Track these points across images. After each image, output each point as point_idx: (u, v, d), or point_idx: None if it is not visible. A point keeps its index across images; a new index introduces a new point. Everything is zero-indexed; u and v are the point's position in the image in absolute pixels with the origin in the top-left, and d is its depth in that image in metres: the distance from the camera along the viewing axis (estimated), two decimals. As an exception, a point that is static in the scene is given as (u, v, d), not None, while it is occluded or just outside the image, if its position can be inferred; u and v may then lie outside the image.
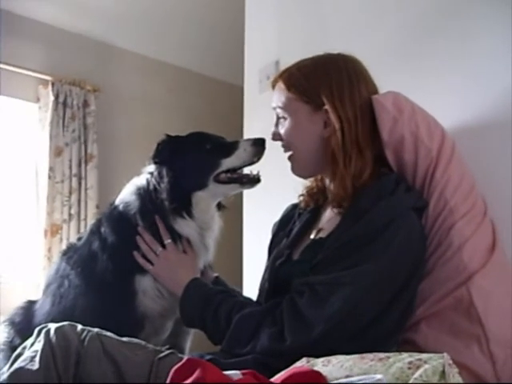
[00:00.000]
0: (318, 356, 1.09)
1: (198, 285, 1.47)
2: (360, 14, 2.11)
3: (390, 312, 1.27)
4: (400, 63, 1.90)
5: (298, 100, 1.45)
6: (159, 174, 1.56)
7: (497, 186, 1.51)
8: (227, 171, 1.57)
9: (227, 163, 1.57)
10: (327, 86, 1.41)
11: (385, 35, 1.98)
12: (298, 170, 1.52)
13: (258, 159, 1.58)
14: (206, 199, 1.58)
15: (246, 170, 1.63)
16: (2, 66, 3.75)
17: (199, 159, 1.58)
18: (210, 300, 1.38)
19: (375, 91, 1.47)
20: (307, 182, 1.61)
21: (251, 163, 1.59)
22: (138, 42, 4.40)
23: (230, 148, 1.58)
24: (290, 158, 1.51)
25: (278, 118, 1.51)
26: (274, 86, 1.53)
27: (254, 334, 1.24)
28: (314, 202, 1.57)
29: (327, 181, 1.50)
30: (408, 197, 1.34)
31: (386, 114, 1.42)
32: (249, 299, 1.47)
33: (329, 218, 1.46)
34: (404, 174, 1.44)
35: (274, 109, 1.51)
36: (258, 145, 1.56)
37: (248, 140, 1.59)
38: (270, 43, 2.61)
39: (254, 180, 1.58)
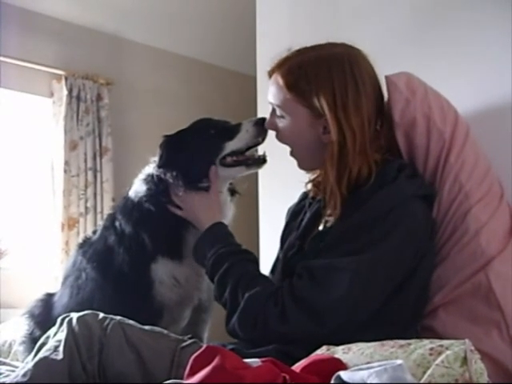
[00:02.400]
0: (328, 343, 1.10)
1: (215, 233, 1.46)
2: (372, 2, 2.09)
3: (402, 300, 1.26)
4: (411, 49, 1.88)
5: (297, 102, 1.37)
6: (164, 176, 1.55)
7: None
8: (233, 154, 1.57)
9: (231, 146, 1.56)
10: (330, 93, 1.32)
11: (397, 21, 1.96)
12: (299, 165, 1.50)
13: (263, 139, 1.57)
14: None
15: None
16: (16, 61, 3.78)
17: (203, 145, 1.58)
18: (222, 260, 1.37)
19: (376, 80, 1.41)
20: (313, 176, 1.57)
21: (256, 144, 1.58)
22: (150, 34, 4.40)
23: (232, 131, 1.57)
24: (290, 153, 1.49)
25: (273, 110, 1.47)
26: (270, 76, 1.47)
27: (260, 316, 1.24)
28: (322, 192, 1.56)
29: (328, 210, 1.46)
30: (410, 184, 1.31)
31: (398, 94, 1.40)
32: (258, 270, 1.42)
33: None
34: (415, 158, 1.42)
35: (269, 102, 1.46)
36: (260, 124, 1.54)
37: (250, 121, 1.57)
38: (282, 30, 2.60)
39: (260, 161, 1.58)
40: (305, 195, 1.66)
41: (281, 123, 1.44)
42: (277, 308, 1.22)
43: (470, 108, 1.59)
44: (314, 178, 1.53)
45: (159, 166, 1.56)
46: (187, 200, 1.54)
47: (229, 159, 1.57)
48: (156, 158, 1.60)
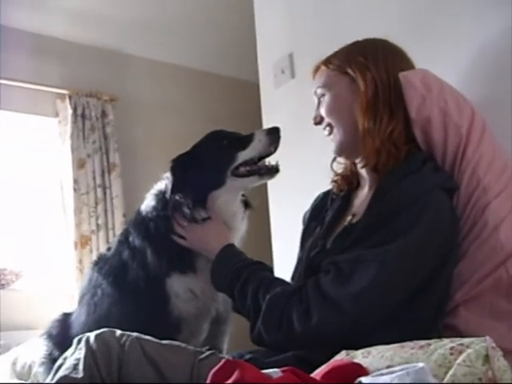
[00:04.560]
0: (352, 340, 1.09)
1: (227, 255, 1.47)
2: (372, 3, 2.09)
3: (427, 295, 1.25)
4: (412, 49, 1.87)
5: (336, 73, 1.47)
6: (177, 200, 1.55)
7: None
8: (245, 164, 1.57)
9: (243, 156, 1.56)
10: (363, 54, 1.44)
11: (397, 22, 1.96)
12: (340, 147, 1.49)
13: (275, 149, 1.57)
14: (224, 196, 1.58)
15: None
16: (20, 83, 3.81)
17: (216, 156, 1.58)
18: (239, 274, 1.37)
19: (413, 67, 1.47)
20: (339, 169, 1.60)
21: (268, 154, 1.58)
22: (151, 47, 4.42)
23: (245, 141, 1.57)
24: (331, 135, 1.50)
25: (319, 100, 1.51)
26: (314, 75, 1.55)
27: (284, 315, 1.22)
28: (348, 185, 1.56)
29: (360, 164, 1.48)
30: (435, 176, 1.32)
31: (413, 91, 1.40)
32: (276, 276, 1.43)
33: (361, 201, 1.46)
34: (433, 153, 1.42)
35: (315, 93, 1.52)
36: (273, 134, 1.55)
37: (263, 130, 1.59)
38: (282, 36, 2.60)
39: (273, 170, 1.57)
40: (324, 195, 1.66)
41: (323, 104, 1.48)
42: (302, 305, 1.21)
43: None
44: (343, 173, 1.57)
45: (171, 193, 1.54)
46: (191, 231, 1.54)
47: (242, 169, 1.57)
48: (167, 175, 1.60)
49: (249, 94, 3.66)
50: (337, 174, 1.59)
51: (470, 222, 1.35)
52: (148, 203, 1.63)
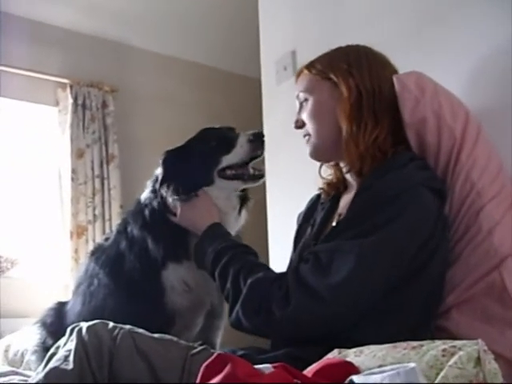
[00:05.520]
0: (337, 334, 1.12)
1: (212, 234, 1.47)
2: (376, 1, 2.08)
3: (411, 293, 1.25)
4: (415, 50, 1.87)
5: (318, 78, 1.46)
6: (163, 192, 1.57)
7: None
8: (231, 167, 1.57)
9: (227, 160, 1.56)
10: (346, 61, 1.43)
11: (401, 23, 1.96)
12: (316, 151, 1.49)
13: (261, 153, 1.56)
14: (214, 194, 1.58)
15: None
16: (21, 71, 3.80)
17: (202, 157, 1.58)
18: (222, 254, 1.37)
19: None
20: (326, 175, 1.59)
21: (253, 158, 1.57)
22: (154, 40, 4.41)
23: (229, 144, 1.57)
24: (308, 140, 1.49)
25: (301, 105, 1.50)
26: (297, 79, 1.54)
27: (264, 301, 1.22)
28: (335, 191, 1.56)
29: (345, 169, 1.48)
30: (420, 174, 1.31)
31: (407, 93, 1.40)
32: (259, 260, 1.43)
33: (346, 202, 1.45)
34: (426, 156, 1.42)
35: (297, 97, 1.51)
36: (255, 140, 1.54)
37: (246, 135, 1.56)
38: (286, 33, 2.60)
39: (255, 177, 1.57)
40: (317, 197, 1.66)
41: (305, 109, 1.48)
42: (281, 291, 1.21)
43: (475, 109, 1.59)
44: (329, 181, 1.57)
45: (160, 183, 1.57)
46: (181, 209, 1.55)
47: (228, 172, 1.57)
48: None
49: (250, 89, 3.66)
50: (324, 182, 1.59)
51: (464, 225, 1.35)
52: (146, 191, 1.65)
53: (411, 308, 1.26)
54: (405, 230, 1.21)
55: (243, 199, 1.66)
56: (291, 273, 1.25)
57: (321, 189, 1.61)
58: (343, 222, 1.32)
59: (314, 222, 1.56)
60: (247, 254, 1.38)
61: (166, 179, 1.56)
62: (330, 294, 1.17)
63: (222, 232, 1.49)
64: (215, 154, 1.57)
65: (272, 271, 1.32)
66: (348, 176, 1.48)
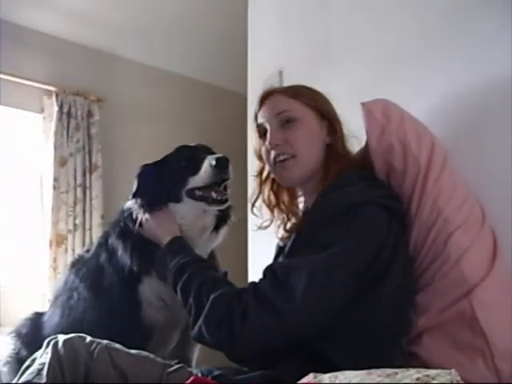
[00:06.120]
0: (298, 346, 1.15)
1: (174, 248, 1.48)
2: (364, 24, 2.11)
3: (368, 308, 1.25)
4: (401, 73, 1.90)
5: (306, 106, 1.48)
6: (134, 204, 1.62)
7: (497, 189, 1.46)
8: (199, 189, 1.58)
9: (193, 182, 1.58)
10: (325, 101, 1.53)
11: (388, 45, 1.99)
12: (297, 174, 1.48)
13: (225, 178, 1.57)
14: (183, 212, 1.61)
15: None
16: (7, 76, 3.77)
17: (173, 175, 1.61)
18: (183, 269, 1.38)
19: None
20: (284, 230, 1.61)
21: (217, 182, 1.57)
22: (142, 51, 4.42)
23: (196, 167, 1.58)
24: (290, 162, 1.46)
25: (281, 124, 1.48)
26: (263, 102, 1.54)
27: (225, 316, 1.22)
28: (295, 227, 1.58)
29: (308, 190, 1.52)
30: (370, 191, 1.33)
31: (374, 121, 1.45)
32: (220, 275, 1.44)
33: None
34: (392, 182, 1.45)
35: (277, 114, 1.48)
36: (217, 166, 1.54)
37: (209, 159, 1.57)
38: (274, 53, 2.62)
39: (218, 202, 1.58)
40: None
41: (291, 129, 1.47)
42: (240, 306, 1.21)
43: (455, 125, 1.61)
44: (288, 230, 1.60)
45: (132, 196, 1.62)
46: (146, 221, 1.59)
47: (196, 192, 1.59)
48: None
49: (236, 104, 3.68)
50: (285, 235, 1.60)
51: (433, 253, 1.36)
52: (127, 204, 1.67)
53: (371, 325, 1.26)
54: (353, 246, 1.23)
55: (222, 218, 1.66)
56: (250, 288, 1.26)
57: (281, 239, 1.62)
58: (298, 238, 1.37)
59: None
60: (208, 269, 1.40)
61: (136, 193, 1.61)
62: (287, 309, 1.19)
63: (184, 246, 1.50)
64: (184, 175, 1.60)
65: (233, 286, 1.34)
66: (305, 198, 1.55)
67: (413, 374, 0.86)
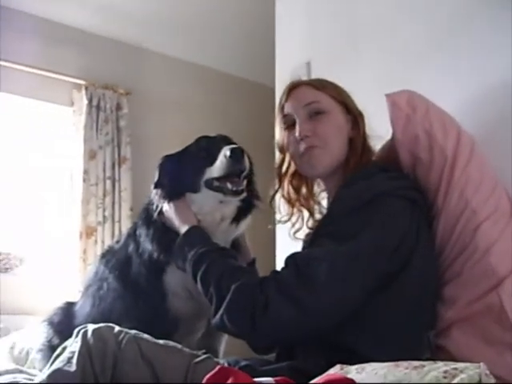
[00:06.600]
0: (322, 336, 1.16)
1: (192, 238, 1.48)
2: (391, 15, 2.09)
3: (389, 299, 1.25)
4: (428, 64, 1.88)
5: (333, 99, 1.50)
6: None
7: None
8: (217, 179, 1.56)
9: (210, 173, 1.57)
10: (349, 96, 1.54)
11: (413, 35, 1.97)
12: (325, 162, 1.47)
13: (241, 167, 1.54)
14: (201, 202, 1.60)
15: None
16: (38, 71, 3.84)
17: (192, 166, 1.61)
18: (202, 259, 1.38)
19: None
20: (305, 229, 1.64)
21: (234, 173, 1.54)
22: (169, 44, 4.44)
23: (213, 158, 1.56)
24: (319, 151, 1.46)
25: (309, 115, 1.48)
26: (290, 93, 1.53)
27: (247, 306, 1.22)
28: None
29: (325, 187, 1.56)
30: (390, 183, 1.32)
31: (399, 111, 1.44)
32: (239, 264, 1.44)
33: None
34: (418, 172, 1.44)
35: (306, 105, 1.48)
36: (231, 156, 1.51)
37: (224, 150, 1.54)
38: (301, 44, 2.61)
39: (234, 192, 1.55)
40: None
41: (320, 121, 1.47)
42: (262, 296, 1.22)
43: (477, 121, 1.60)
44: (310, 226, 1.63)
45: (154, 186, 1.63)
46: (164, 209, 1.61)
47: (214, 183, 1.57)
48: None
49: (263, 97, 3.67)
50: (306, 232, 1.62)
51: (461, 243, 1.35)
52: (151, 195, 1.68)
53: (395, 315, 1.26)
54: (374, 238, 1.24)
55: (244, 209, 1.66)
56: (272, 278, 1.27)
57: (307, 235, 1.63)
58: (321, 229, 1.37)
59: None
60: (227, 257, 1.40)
61: (157, 183, 1.63)
62: (306, 299, 1.20)
63: (202, 235, 1.50)
64: (202, 165, 1.59)
65: (253, 275, 1.35)
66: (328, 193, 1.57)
67: (440, 366, 0.85)
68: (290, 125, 1.52)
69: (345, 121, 1.50)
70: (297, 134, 1.47)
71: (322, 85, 1.52)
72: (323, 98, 1.49)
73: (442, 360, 0.94)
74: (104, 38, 4.22)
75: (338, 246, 1.23)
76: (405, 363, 0.91)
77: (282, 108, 1.55)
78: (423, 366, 0.87)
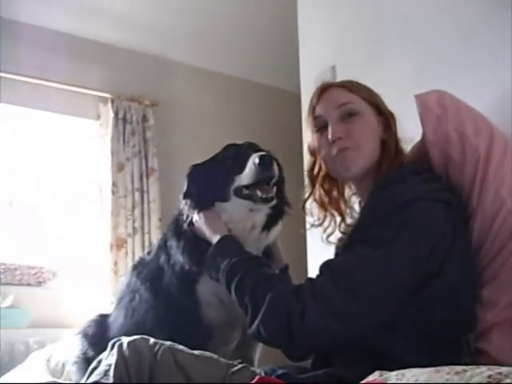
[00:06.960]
0: (359, 342, 1.15)
1: (224, 248, 1.48)
2: (416, 18, 2.08)
3: (425, 304, 1.23)
4: (453, 68, 1.86)
5: (364, 101, 1.49)
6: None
7: None
8: (247, 187, 1.55)
9: (239, 180, 1.56)
10: (380, 98, 1.53)
11: (439, 40, 1.95)
12: (359, 164, 1.45)
13: (270, 175, 1.52)
14: (231, 210, 1.59)
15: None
16: (64, 86, 3.90)
17: (221, 174, 1.60)
18: (236, 268, 1.37)
19: None
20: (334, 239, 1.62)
21: (263, 180, 1.52)
22: (194, 54, 4.46)
23: (242, 165, 1.55)
24: (353, 153, 1.44)
25: (342, 117, 1.46)
26: (321, 94, 1.52)
27: (283, 315, 1.21)
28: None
29: (356, 191, 1.55)
30: (423, 186, 1.31)
31: (429, 112, 1.42)
32: (273, 272, 1.44)
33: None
34: (450, 172, 1.42)
35: (339, 106, 1.46)
36: (260, 164, 1.50)
37: (255, 157, 1.52)
38: (325, 48, 2.60)
39: (264, 200, 1.53)
40: None
41: (353, 123, 1.46)
42: (298, 305, 1.21)
43: None
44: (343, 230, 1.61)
45: (183, 197, 1.64)
46: (194, 219, 1.61)
47: (244, 191, 1.56)
48: None
49: (289, 104, 3.66)
50: (340, 239, 1.61)
51: (498, 244, 1.32)
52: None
53: (433, 320, 1.24)
54: (409, 243, 1.22)
55: (274, 216, 1.65)
56: (307, 286, 1.25)
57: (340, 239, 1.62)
58: (354, 234, 1.36)
59: None
60: (261, 266, 1.39)
61: (186, 193, 1.63)
62: (343, 308, 1.19)
63: (233, 245, 1.49)
64: (230, 173, 1.58)
65: (287, 283, 1.34)
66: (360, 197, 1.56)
67: (484, 371, 0.83)
68: (321, 127, 1.50)
69: (377, 123, 1.49)
70: (329, 135, 1.45)
71: (353, 86, 1.51)
72: (355, 99, 1.48)
73: (482, 364, 0.92)
74: (128, 50, 4.27)
75: (373, 251, 1.21)
76: (446, 368, 0.89)
77: (313, 110, 1.53)
78: (465, 371, 0.85)
